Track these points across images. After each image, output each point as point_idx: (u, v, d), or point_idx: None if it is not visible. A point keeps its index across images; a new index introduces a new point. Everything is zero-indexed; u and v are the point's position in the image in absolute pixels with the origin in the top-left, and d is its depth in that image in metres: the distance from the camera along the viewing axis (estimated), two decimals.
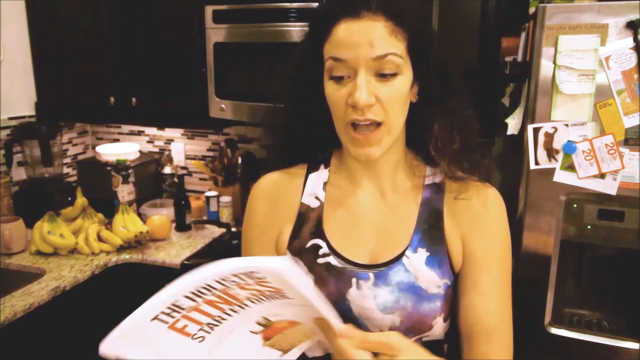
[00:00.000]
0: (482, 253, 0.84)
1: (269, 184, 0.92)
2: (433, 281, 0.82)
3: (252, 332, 0.59)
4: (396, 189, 0.88)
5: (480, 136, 0.87)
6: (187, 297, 0.50)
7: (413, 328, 0.81)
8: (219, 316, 0.54)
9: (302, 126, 0.89)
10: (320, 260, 0.84)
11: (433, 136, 0.84)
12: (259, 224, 0.91)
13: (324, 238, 0.86)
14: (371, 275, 0.82)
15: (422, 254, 0.83)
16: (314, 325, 0.65)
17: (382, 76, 0.76)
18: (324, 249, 0.85)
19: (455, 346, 0.88)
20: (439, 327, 0.83)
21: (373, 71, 0.76)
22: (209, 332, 0.55)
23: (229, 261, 0.51)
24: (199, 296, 0.51)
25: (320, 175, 0.91)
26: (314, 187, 0.90)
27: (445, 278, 0.83)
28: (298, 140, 0.91)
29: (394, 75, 0.76)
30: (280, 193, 0.91)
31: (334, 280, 0.83)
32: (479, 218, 0.85)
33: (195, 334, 0.54)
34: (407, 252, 0.83)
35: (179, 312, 0.51)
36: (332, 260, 0.84)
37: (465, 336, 0.85)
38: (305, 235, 0.87)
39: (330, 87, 0.79)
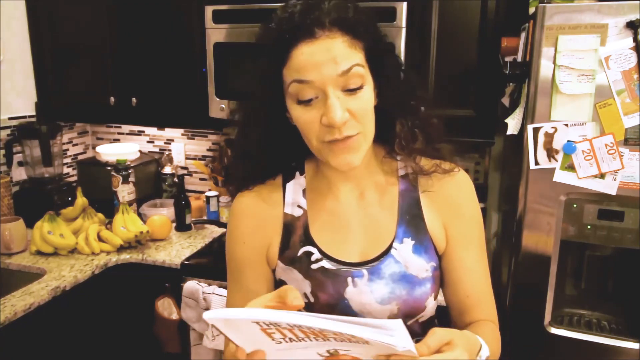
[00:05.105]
0: (464, 233, 0.90)
1: (249, 200, 0.92)
2: (422, 267, 0.86)
3: (319, 354, 0.65)
4: (373, 186, 0.90)
5: (445, 131, 0.90)
6: (288, 324, 0.58)
7: (409, 313, 0.86)
8: (302, 338, 0.61)
9: (268, 147, 0.88)
10: (314, 266, 0.86)
11: (396, 136, 0.86)
12: (246, 240, 0.91)
13: (314, 244, 0.88)
14: (365, 271, 0.85)
15: (408, 243, 0.87)
16: None
17: (351, 89, 0.76)
18: (316, 255, 0.87)
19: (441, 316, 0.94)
20: (431, 307, 0.88)
21: (340, 87, 0.76)
22: (287, 342, 0.62)
23: (346, 327, 0.56)
24: (298, 326, 0.58)
25: (298, 183, 0.92)
26: (294, 195, 0.91)
27: (431, 261, 0.88)
28: (266, 160, 0.90)
29: (361, 86, 0.77)
30: (261, 207, 0.91)
31: (330, 283, 0.85)
32: (456, 201, 0.90)
33: (277, 340, 0.62)
34: (395, 244, 0.86)
35: (275, 326, 0.59)
36: (326, 264, 0.86)
37: (455, 308, 0.92)
38: (295, 244, 0.89)
39: (297, 111, 0.78)
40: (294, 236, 0.89)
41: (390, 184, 0.91)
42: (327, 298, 0.85)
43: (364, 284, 0.85)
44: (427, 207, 0.89)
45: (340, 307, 0.85)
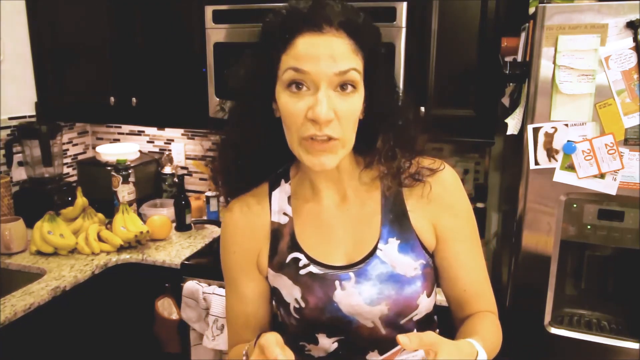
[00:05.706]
0: (456, 230, 0.90)
1: (237, 211, 0.94)
2: (409, 265, 0.86)
3: None
4: (355, 190, 0.91)
5: (436, 138, 0.90)
6: None
7: (401, 312, 0.86)
8: None
9: (254, 143, 0.87)
10: (302, 271, 0.88)
11: (377, 152, 0.86)
12: (237, 250, 0.94)
13: (301, 250, 0.89)
14: (352, 274, 0.86)
15: (394, 243, 0.87)
16: None
17: (342, 91, 0.76)
18: (303, 260, 0.89)
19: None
20: (424, 304, 0.88)
21: (333, 86, 0.76)
22: None
23: None
24: None
25: (283, 190, 0.94)
26: (280, 203, 0.93)
27: (420, 259, 0.87)
28: (252, 162, 0.90)
29: (353, 91, 0.77)
30: (250, 217, 0.93)
31: (319, 287, 0.87)
32: (443, 200, 0.89)
33: None
34: (380, 245, 0.87)
35: None
36: (313, 269, 0.88)
37: (454, 301, 0.94)
38: (283, 251, 0.91)
39: (285, 98, 0.78)
40: (282, 243, 0.91)
41: (373, 185, 0.90)
42: (317, 302, 0.86)
43: (352, 286, 0.86)
44: (412, 205, 0.89)
45: (330, 310, 0.86)
